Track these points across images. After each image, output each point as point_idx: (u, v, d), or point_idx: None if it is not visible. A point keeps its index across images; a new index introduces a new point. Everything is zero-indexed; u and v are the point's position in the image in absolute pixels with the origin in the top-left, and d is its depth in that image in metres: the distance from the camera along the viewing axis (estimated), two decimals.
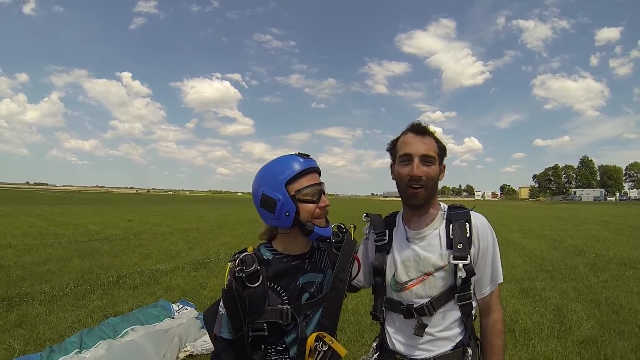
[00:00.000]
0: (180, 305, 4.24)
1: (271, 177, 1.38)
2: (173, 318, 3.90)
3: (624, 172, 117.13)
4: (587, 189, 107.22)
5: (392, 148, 1.53)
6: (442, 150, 1.49)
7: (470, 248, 1.40)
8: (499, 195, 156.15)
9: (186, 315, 4.01)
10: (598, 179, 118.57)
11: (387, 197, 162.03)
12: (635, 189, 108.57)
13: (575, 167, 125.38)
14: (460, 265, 1.36)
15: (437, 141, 1.48)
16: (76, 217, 20.55)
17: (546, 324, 4.58)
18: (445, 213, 1.49)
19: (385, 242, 1.54)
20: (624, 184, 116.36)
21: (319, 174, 1.46)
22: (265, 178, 1.40)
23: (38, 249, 9.63)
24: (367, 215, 1.65)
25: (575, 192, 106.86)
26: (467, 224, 1.43)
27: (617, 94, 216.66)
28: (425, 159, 1.42)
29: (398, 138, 1.51)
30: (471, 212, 1.48)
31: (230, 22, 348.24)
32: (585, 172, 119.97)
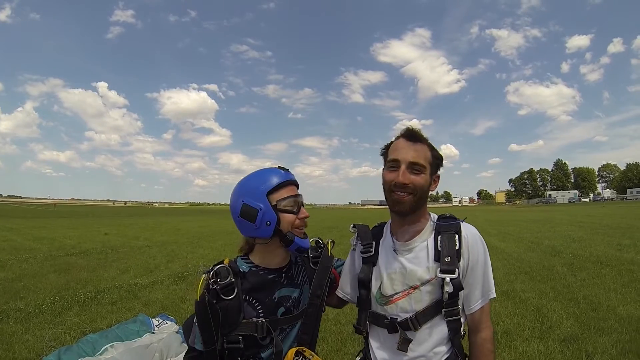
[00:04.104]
0: (160, 320, 4.13)
1: (252, 187, 1.39)
2: (153, 333, 3.79)
3: (596, 173, 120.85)
4: (561, 191, 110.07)
5: (385, 152, 1.46)
6: (436, 159, 1.42)
7: (459, 261, 1.33)
8: (476, 200, 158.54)
9: (167, 330, 3.90)
10: (572, 181, 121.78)
11: (364, 205, 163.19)
12: (608, 189, 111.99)
13: (550, 170, 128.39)
14: (447, 279, 1.29)
15: (432, 149, 1.42)
16: (51, 230, 19.89)
17: (527, 324, 4.66)
18: (435, 224, 1.42)
19: (371, 253, 1.48)
20: (597, 185, 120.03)
21: (297, 187, 1.48)
22: (246, 189, 1.40)
23: (12, 265, 9.31)
24: (354, 226, 1.59)
25: (550, 195, 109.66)
26: (457, 235, 1.36)
27: (588, 99, 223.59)
28: (414, 167, 1.35)
29: (391, 142, 1.45)
30: (462, 223, 1.40)
31: (207, 33, 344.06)
32: (560, 175, 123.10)
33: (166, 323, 4.11)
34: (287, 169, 1.47)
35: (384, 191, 1.42)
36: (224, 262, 1.41)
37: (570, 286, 6.42)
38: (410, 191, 1.35)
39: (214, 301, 1.30)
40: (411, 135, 1.40)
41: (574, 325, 4.55)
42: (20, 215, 38.65)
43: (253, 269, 1.44)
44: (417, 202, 1.37)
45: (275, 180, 1.38)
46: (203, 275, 1.35)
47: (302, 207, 1.44)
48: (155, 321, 4.07)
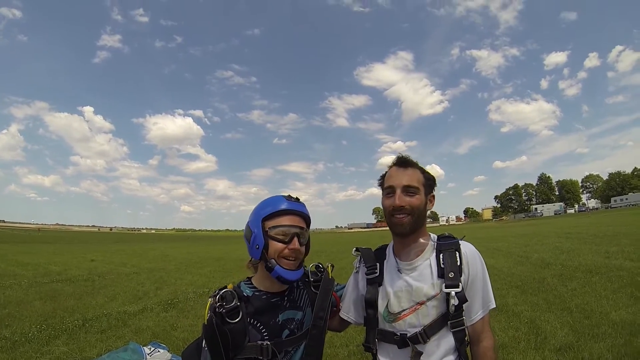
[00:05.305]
0: (152, 348, 4.02)
1: (256, 212, 1.50)
2: None
3: (580, 184, 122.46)
4: (547, 204, 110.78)
5: (381, 182, 1.59)
6: (428, 180, 1.55)
7: (460, 276, 1.44)
8: (464, 218, 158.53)
9: (159, 358, 3.81)
10: (557, 193, 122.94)
11: (351, 229, 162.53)
12: (592, 199, 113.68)
13: (535, 184, 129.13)
14: (453, 293, 1.40)
15: (423, 172, 1.55)
16: (36, 256, 19.45)
17: (522, 337, 4.66)
18: (435, 243, 1.54)
19: (376, 274, 1.57)
20: (582, 196, 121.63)
21: (305, 219, 1.53)
22: (253, 212, 1.52)
23: None
24: (357, 250, 1.69)
25: (536, 209, 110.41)
26: (457, 252, 1.48)
27: (568, 113, 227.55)
28: (408, 189, 1.48)
29: (386, 172, 1.58)
30: (460, 242, 1.53)
31: (193, 58, 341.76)
32: (544, 189, 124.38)
33: (158, 351, 4.00)
34: (296, 199, 1.53)
35: (385, 217, 1.56)
36: (228, 287, 1.45)
37: (562, 296, 6.47)
38: (407, 212, 1.48)
39: (221, 323, 1.32)
40: (402, 162, 1.55)
41: (568, 334, 4.58)
42: (4, 240, 37.53)
43: (256, 293, 1.49)
44: (416, 221, 1.50)
45: (273, 208, 1.46)
46: (209, 299, 1.39)
47: (296, 238, 1.46)
48: (146, 349, 3.96)
